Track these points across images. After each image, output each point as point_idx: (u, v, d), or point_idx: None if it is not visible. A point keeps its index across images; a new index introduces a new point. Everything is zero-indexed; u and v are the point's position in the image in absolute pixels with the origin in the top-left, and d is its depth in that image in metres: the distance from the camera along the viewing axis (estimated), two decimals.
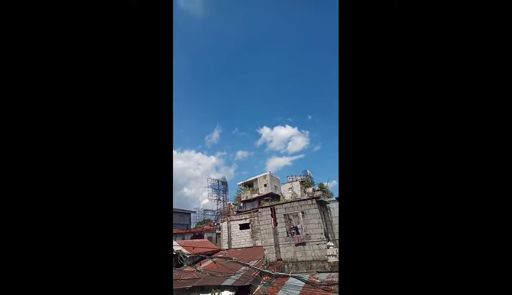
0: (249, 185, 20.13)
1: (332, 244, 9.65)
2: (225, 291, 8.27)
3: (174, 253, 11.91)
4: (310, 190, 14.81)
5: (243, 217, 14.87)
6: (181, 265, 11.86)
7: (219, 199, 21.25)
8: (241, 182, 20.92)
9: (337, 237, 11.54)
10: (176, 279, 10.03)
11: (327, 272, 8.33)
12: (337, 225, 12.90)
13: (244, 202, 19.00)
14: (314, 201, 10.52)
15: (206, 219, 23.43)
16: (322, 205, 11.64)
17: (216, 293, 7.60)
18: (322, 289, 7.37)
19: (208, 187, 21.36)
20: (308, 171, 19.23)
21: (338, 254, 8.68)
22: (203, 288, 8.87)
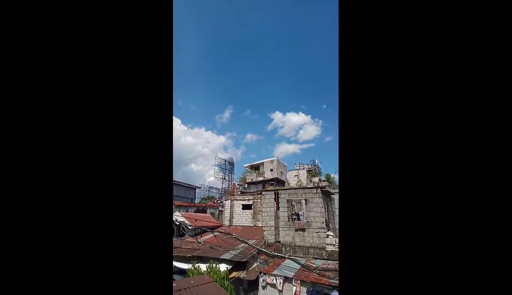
0: (256, 167, 20.29)
1: (332, 233, 9.73)
2: (222, 263, 8.64)
3: (178, 223, 12.44)
4: (316, 179, 14.76)
5: (246, 198, 15.16)
6: (183, 235, 12.41)
7: (224, 178, 21.64)
8: (248, 164, 21.10)
9: (337, 227, 11.62)
10: (177, 247, 10.54)
11: (324, 259, 8.47)
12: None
13: (249, 183, 19.28)
14: (319, 190, 10.50)
15: (210, 195, 24.08)
16: (327, 195, 11.62)
17: (214, 265, 7.94)
18: (316, 273, 7.53)
19: (215, 165, 21.73)
20: (316, 161, 19.08)
21: (338, 244, 8.78)
22: (201, 258, 9.30)
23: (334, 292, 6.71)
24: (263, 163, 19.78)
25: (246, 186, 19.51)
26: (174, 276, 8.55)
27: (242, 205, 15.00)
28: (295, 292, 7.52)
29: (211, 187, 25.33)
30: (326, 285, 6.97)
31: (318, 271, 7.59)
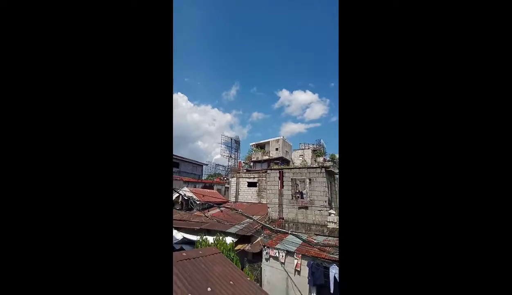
0: (261, 146, 20.41)
1: (333, 212, 10.02)
2: (228, 237, 9.16)
3: (186, 198, 12.99)
4: (321, 159, 14.83)
5: (251, 176, 15.49)
6: (191, 209, 13.04)
7: (230, 156, 21.95)
8: (254, 143, 21.22)
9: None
10: (186, 220, 11.14)
11: (325, 235, 8.84)
12: None
13: (254, 162, 19.55)
14: (323, 170, 10.61)
15: (217, 172, 24.68)
16: (330, 175, 11.75)
17: (221, 237, 8.44)
18: (317, 248, 7.93)
19: (221, 143, 21.93)
20: (321, 141, 19.00)
21: (338, 222, 9.08)
22: (209, 231, 9.86)
23: (333, 266, 7.12)
24: (268, 141, 19.83)
25: (251, 164, 19.80)
26: (184, 246, 9.18)
27: (248, 182, 15.38)
28: (296, 265, 8.01)
29: (218, 164, 25.84)
30: (326, 259, 7.37)
31: (319, 247, 7.97)
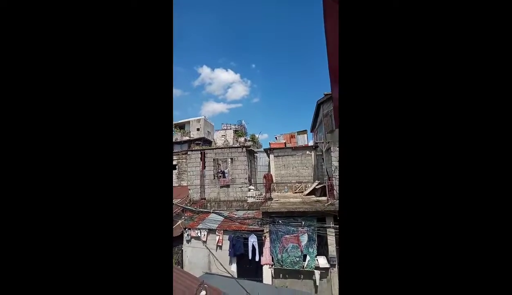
0: (181, 126, 19.07)
1: (253, 187, 10.81)
2: None
3: None
4: (242, 139, 15.42)
5: None
6: None
7: None
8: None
9: (258, 182, 12.98)
10: None
11: (245, 210, 9.48)
12: (260, 172, 14.44)
13: (173, 143, 18.14)
14: (244, 149, 11.09)
15: None
16: (251, 154, 12.48)
17: None
18: (238, 222, 8.42)
19: None
20: (243, 121, 19.64)
21: (257, 196, 9.89)
22: None
23: (251, 235, 7.79)
24: (189, 121, 18.75)
25: None
26: None
27: None
28: (218, 240, 8.27)
29: None
30: (245, 231, 7.96)
31: (240, 221, 8.49)
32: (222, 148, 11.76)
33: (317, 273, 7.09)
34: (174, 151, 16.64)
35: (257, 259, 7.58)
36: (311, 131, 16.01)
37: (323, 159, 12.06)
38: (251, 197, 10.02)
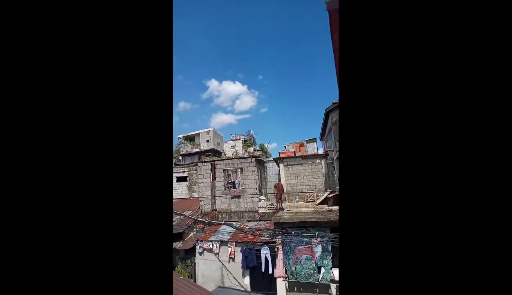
0: (191, 139, 19.42)
1: (263, 197, 10.75)
2: None
3: None
4: (251, 149, 15.49)
5: (181, 170, 14.58)
6: None
7: None
8: (182, 135, 19.93)
9: (269, 191, 12.89)
10: None
11: (256, 220, 9.40)
12: (270, 182, 14.35)
13: (184, 155, 18.44)
14: (253, 159, 11.12)
15: None
16: (260, 164, 12.48)
17: None
18: (250, 234, 8.34)
19: None
20: (251, 131, 19.81)
21: (268, 206, 9.81)
22: None
23: (264, 247, 7.68)
24: (198, 133, 19.08)
25: (180, 158, 18.59)
26: None
27: (177, 177, 14.41)
28: (230, 252, 8.19)
29: None
30: (257, 242, 7.85)
31: (251, 232, 8.40)
32: (231, 159, 11.85)
33: (333, 287, 6.84)
34: (185, 162, 16.88)
35: (270, 271, 7.42)
36: (320, 140, 15.89)
37: (334, 167, 11.89)
38: (262, 207, 9.95)
